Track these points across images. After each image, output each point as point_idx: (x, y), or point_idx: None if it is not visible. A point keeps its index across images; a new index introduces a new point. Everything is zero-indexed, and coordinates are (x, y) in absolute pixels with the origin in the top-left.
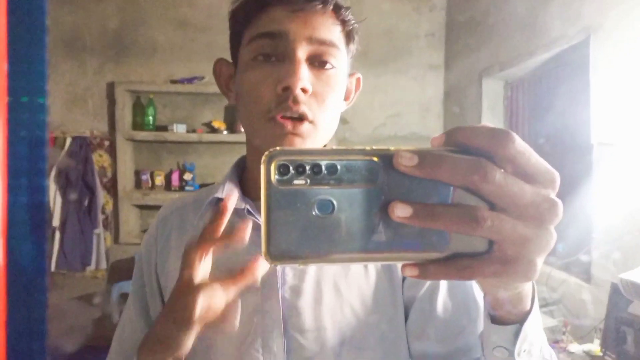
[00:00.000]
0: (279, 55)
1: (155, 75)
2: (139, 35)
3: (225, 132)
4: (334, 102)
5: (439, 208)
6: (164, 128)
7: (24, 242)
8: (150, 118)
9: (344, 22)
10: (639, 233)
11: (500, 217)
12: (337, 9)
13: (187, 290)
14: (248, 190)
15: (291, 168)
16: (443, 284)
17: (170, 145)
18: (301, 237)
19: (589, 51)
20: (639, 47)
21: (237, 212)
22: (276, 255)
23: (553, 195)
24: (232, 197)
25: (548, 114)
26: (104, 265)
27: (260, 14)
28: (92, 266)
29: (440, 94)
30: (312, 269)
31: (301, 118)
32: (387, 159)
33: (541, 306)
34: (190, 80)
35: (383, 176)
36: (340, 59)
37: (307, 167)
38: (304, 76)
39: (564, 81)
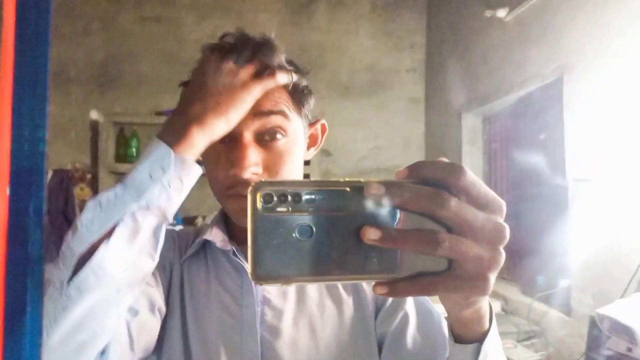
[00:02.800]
0: (230, 136)
1: (140, 107)
2: (125, 68)
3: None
4: (289, 170)
5: (405, 232)
6: None
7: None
8: (134, 150)
9: (289, 89)
10: (616, 267)
11: (456, 239)
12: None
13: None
14: (234, 235)
15: (275, 197)
16: (412, 319)
17: None
18: (284, 259)
19: (563, 90)
20: (609, 87)
21: (224, 253)
22: (261, 276)
23: (501, 220)
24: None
25: (525, 149)
26: None
27: None
28: None
29: (421, 128)
30: (289, 310)
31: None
32: (358, 189)
33: (523, 339)
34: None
35: (356, 204)
36: (291, 124)
37: (289, 196)
38: (251, 162)
39: (539, 118)
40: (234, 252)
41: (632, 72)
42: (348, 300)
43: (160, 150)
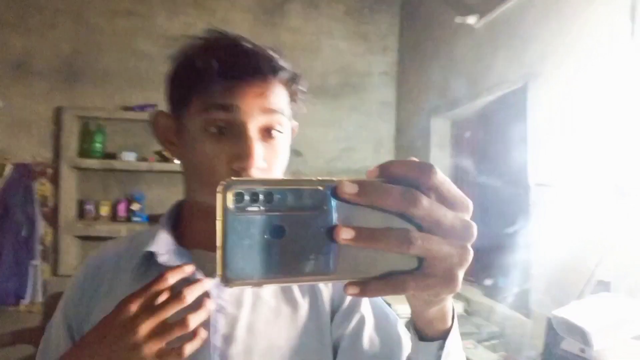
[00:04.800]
0: (231, 127)
1: (107, 101)
2: (92, 62)
3: (177, 162)
4: (281, 166)
5: (378, 231)
6: (112, 156)
7: None
8: (99, 145)
9: (291, 89)
10: (573, 270)
11: (427, 237)
12: (286, 80)
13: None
14: (185, 239)
15: (246, 196)
16: (369, 321)
17: (118, 173)
18: (255, 260)
19: (527, 96)
20: (572, 95)
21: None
22: (231, 278)
23: (468, 218)
24: (176, 273)
25: (490, 153)
26: (40, 298)
27: (212, 82)
28: (27, 299)
29: (392, 130)
30: (244, 316)
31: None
32: (331, 188)
33: (483, 340)
34: (142, 108)
35: (328, 203)
36: (286, 123)
37: (261, 195)
38: (259, 156)
39: (505, 123)
40: (176, 264)
41: (593, 81)
42: (304, 304)
43: None
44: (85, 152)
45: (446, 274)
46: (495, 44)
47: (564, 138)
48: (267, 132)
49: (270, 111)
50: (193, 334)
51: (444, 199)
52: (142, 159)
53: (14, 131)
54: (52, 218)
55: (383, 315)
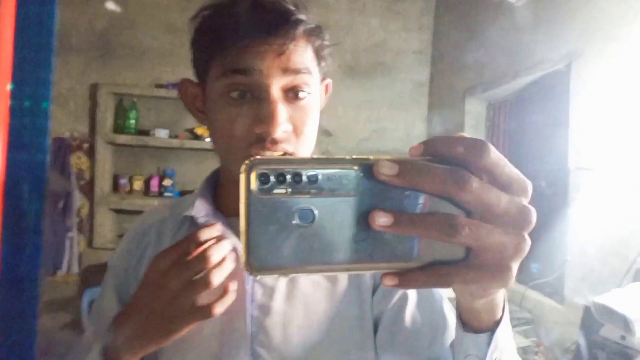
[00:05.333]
0: (253, 90)
1: (141, 78)
2: (127, 38)
3: (207, 139)
4: (312, 130)
5: (419, 216)
6: (146, 132)
7: (22, 247)
8: (133, 122)
9: (315, 45)
10: (612, 257)
11: (477, 224)
12: (308, 34)
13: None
14: (222, 206)
15: (272, 177)
16: (412, 298)
17: (151, 150)
18: (282, 248)
19: (570, 77)
20: (616, 76)
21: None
22: (256, 267)
23: (526, 202)
24: (206, 231)
25: (528, 136)
26: (76, 269)
27: (228, 45)
28: (64, 270)
29: (424, 111)
30: (282, 287)
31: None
32: (367, 168)
33: (514, 326)
34: (175, 86)
35: (363, 185)
36: (314, 83)
37: (288, 176)
38: (283, 119)
39: (544, 105)
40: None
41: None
42: (344, 278)
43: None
44: (119, 128)
45: (497, 267)
46: (536, 22)
47: (607, 121)
48: (292, 93)
49: (293, 71)
50: (223, 292)
51: (498, 181)
52: (174, 136)
53: (52, 106)
54: (88, 191)
55: (427, 292)
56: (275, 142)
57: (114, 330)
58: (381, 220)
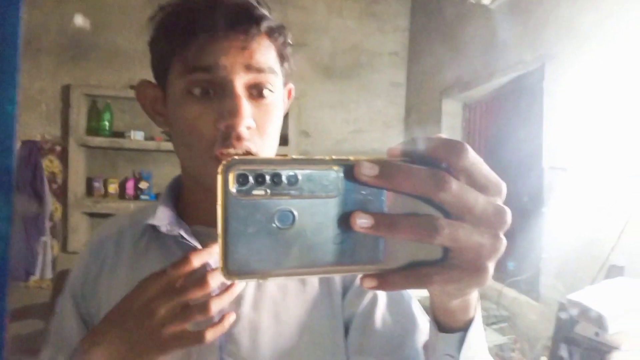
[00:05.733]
0: (216, 87)
1: (115, 79)
2: (100, 38)
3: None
4: (275, 130)
5: (400, 218)
6: (120, 135)
7: None
8: (106, 123)
9: (278, 44)
10: (586, 255)
11: (456, 225)
12: (271, 31)
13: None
14: (185, 214)
15: (250, 178)
16: (382, 299)
17: (126, 152)
18: (261, 251)
19: (544, 78)
20: (589, 77)
21: (171, 237)
22: (234, 271)
23: (501, 203)
24: (201, 256)
25: (503, 137)
26: (49, 274)
27: (189, 42)
28: (37, 275)
29: (401, 112)
30: (249, 294)
31: (245, 154)
32: (347, 169)
33: (491, 323)
34: None
35: (344, 186)
36: (278, 83)
37: (267, 177)
38: (247, 113)
39: (519, 105)
40: (181, 235)
41: (611, 63)
42: (314, 281)
43: None
44: (93, 130)
45: (475, 266)
46: (510, 24)
47: (580, 121)
48: (256, 91)
49: (257, 69)
50: (219, 320)
51: (475, 182)
52: (150, 138)
53: (23, 108)
54: (61, 195)
55: (397, 293)
56: (239, 138)
57: (81, 356)
58: (362, 221)
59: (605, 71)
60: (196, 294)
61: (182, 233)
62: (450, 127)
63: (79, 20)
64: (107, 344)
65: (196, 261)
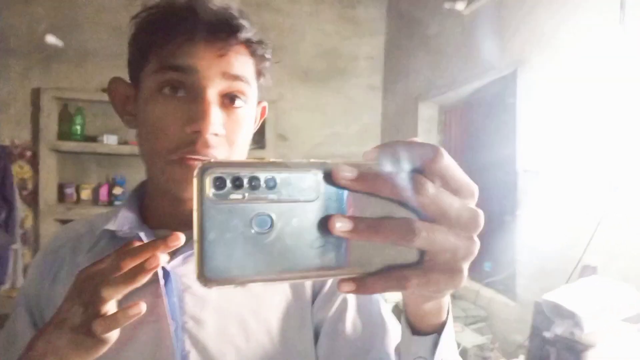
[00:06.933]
0: (188, 89)
1: (86, 83)
2: (70, 40)
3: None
4: (243, 141)
5: (378, 221)
6: (93, 139)
7: None
8: (78, 127)
9: (256, 58)
10: (560, 255)
11: (432, 227)
12: (250, 44)
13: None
14: (149, 218)
15: (228, 181)
16: (351, 304)
17: (99, 157)
18: (238, 257)
19: (516, 83)
20: (560, 82)
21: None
22: (211, 278)
23: (474, 206)
24: (144, 250)
25: (479, 140)
26: (21, 283)
27: (167, 41)
28: (7, 285)
29: (378, 115)
30: (212, 297)
31: None
32: (325, 172)
33: (470, 323)
34: None
35: (322, 190)
36: (251, 94)
37: (245, 181)
38: (216, 120)
39: (493, 110)
40: (140, 238)
41: (582, 67)
42: (282, 285)
43: None
44: (64, 134)
45: (450, 268)
46: (483, 30)
47: (552, 125)
48: (228, 99)
49: (232, 76)
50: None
51: (450, 185)
52: (123, 142)
53: None
54: (32, 201)
55: (366, 297)
56: (206, 145)
57: (27, 352)
58: (340, 225)
59: (577, 75)
60: (126, 288)
61: (142, 236)
62: (426, 130)
63: (52, 39)
64: (50, 336)
65: (133, 251)
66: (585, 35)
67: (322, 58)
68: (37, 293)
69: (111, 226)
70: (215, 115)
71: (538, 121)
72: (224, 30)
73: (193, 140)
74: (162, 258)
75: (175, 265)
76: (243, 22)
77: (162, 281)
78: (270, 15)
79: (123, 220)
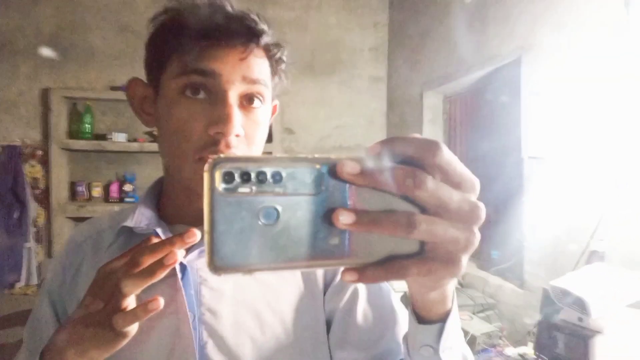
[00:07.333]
0: (210, 92)
1: (94, 81)
2: (78, 40)
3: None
4: (261, 140)
5: (379, 214)
6: (102, 137)
7: None
8: (88, 126)
9: (273, 60)
10: (567, 242)
11: (432, 220)
12: (268, 46)
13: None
14: (166, 214)
15: (236, 176)
16: (362, 294)
17: (109, 155)
18: (246, 246)
19: (521, 69)
20: (565, 68)
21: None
22: (221, 266)
23: (475, 199)
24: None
25: (484, 128)
26: (35, 280)
27: (190, 45)
28: (22, 282)
29: (383, 106)
30: (229, 292)
31: None
32: (329, 167)
33: (478, 311)
34: None
35: (326, 184)
36: (268, 96)
37: (252, 175)
38: (238, 122)
39: (498, 97)
40: (157, 234)
41: (586, 54)
42: (295, 277)
43: None
44: (74, 133)
45: (450, 259)
46: (486, 18)
47: (557, 111)
48: (247, 100)
49: (252, 80)
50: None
51: (450, 179)
52: (132, 139)
53: (1, 113)
54: (44, 200)
55: (376, 287)
56: (228, 145)
57: (50, 345)
58: (344, 218)
59: (580, 59)
60: (144, 283)
61: (159, 232)
62: (431, 119)
63: (47, 52)
64: (73, 328)
65: (152, 248)
66: (589, 19)
67: (326, 50)
68: (60, 285)
69: (129, 223)
70: (237, 118)
71: (543, 108)
72: (245, 36)
73: (216, 141)
74: (179, 254)
75: (192, 259)
76: (263, 27)
77: (179, 275)
78: (273, 8)
79: (140, 217)
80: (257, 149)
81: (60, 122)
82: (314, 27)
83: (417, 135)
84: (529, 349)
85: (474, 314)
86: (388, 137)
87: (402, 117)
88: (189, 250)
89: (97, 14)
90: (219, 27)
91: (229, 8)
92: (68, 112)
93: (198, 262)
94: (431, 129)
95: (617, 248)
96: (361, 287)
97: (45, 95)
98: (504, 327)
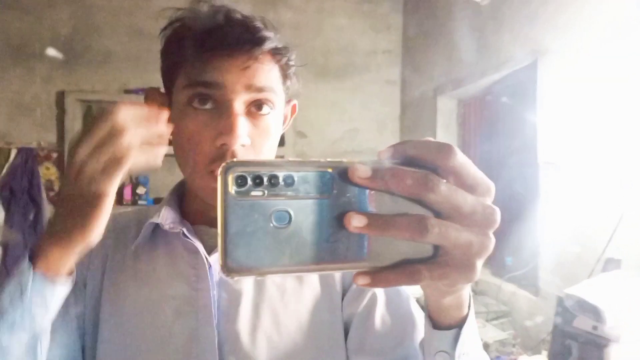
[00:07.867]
0: (216, 103)
1: (108, 84)
2: (92, 43)
3: None
4: (271, 148)
5: (392, 218)
6: None
7: None
8: None
9: (281, 64)
10: (583, 248)
11: (446, 224)
12: (274, 51)
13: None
14: (188, 215)
15: (249, 179)
16: (381, 299)
17: None
18: (258, 249)
19: (537, 73)
20: (582, 72)
21: (176, 235)
22: (234, 268)
23: (490, 203)
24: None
25: (498, 132)
26: None
27: (194, 58)
28: None
29: (396, 110)
30: (248, 294)
31: None
32: (341, 171)
33: (492, 319)
34: (144, 91)
35: (338, 188)
36: (278, 101)
37: (265, 179)
38: (242, 132)
39: (513, 101)
40: (184, 233)
41: (604, 58)
42: (312, 281)
43: (23, 266)
44: None
45: (464, 263)
46: (502, 21)
47: (574, 115)
48: (254, 107)
49: (257, 89)
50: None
51: (464, 183)
52: None
53: (17, 115)
54: None
55: (395, 292)
56: (233, 156)
57: (42, 236)
58: (356, 222)
59: (596, 62)
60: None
61: (185, 231)
62: (445, 124)
63: (52, 52)
64: (56, 215)
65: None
66: (606, 23)
67: (339, 54)
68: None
69: (156, 219)
70: (242, 128)
71: (559, 112)
72: (247, 43)
73: (223, 153)
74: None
75: (214, 260)
76: (267, 33)
77: (208, 274)
78: (286, 12)
79: (167, 216)
80: (265, 156)
81: (75, 124)
82: (327, 30)
83: (430, 139)
84: (542, 357)
85: (487, 321)
86: (408, 140)
87: (415, 121)
88: (212, 251)
89: (112, 17)
90: (220, 37)
91: (233, 15)
92: (83, 114)
93: (217, 264)
94: (445, 133)
95: (633, 255)
96: (379, 293)
97: (60, 98)
98: (518, 334)
